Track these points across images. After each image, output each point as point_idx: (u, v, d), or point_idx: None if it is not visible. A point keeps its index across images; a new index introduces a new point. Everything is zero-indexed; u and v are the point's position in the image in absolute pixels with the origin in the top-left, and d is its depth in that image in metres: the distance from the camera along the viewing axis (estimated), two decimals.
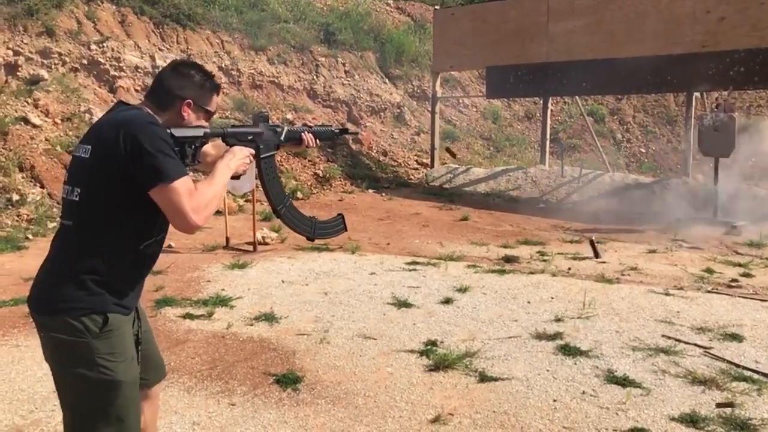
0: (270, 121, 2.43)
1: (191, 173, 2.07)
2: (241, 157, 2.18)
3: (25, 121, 9.23)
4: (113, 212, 1.91)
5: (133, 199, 1.90)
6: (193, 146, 2.12)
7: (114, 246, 1.93)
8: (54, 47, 10.46)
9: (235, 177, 2.18)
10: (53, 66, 10.35)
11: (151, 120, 1.95)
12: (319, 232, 2.63)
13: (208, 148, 2.32)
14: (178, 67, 2.11)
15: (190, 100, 2.07)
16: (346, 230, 2.73)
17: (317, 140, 2.55)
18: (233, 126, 2.39)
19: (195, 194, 1.91)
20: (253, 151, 2.26)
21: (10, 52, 9.98)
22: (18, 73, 9.93)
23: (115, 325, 1.93)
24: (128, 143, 1.86)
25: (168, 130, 2.00)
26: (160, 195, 1.87)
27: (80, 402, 1.93)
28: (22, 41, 10.23)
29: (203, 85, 2.10)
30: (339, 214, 2.72)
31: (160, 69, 2.20)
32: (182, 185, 1.88)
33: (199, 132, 2.13)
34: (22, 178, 8.54)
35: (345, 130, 2.81)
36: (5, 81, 9.80)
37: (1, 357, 4.03)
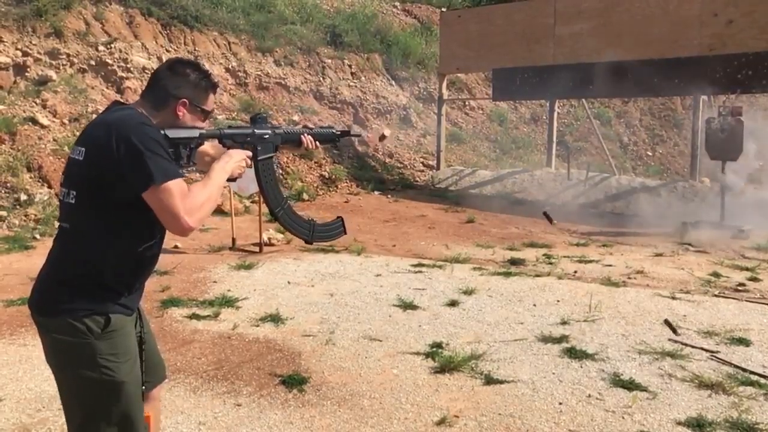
0: (270, 122, 2.38)
1: (197, 173, 2.05)
2: (237, 159, 2.14)
3: (33, 121, 9.29)
4: (109, 214, 1.90)
5: (129, 201, 1.87)
6: (188, 147, 2.09)
7: (112, 248, 1.91)
8: (62, 48, 10.52)
9: (232, 179, 2.15)
10: (61, 67, 10.41)
11: (143, 120, 1.92)
12: (318, 235, 2.57)
13: (207, 148, 2.29)
14: (174, 66, 2.07)
15: (185, 100, 2.04)
16: (345, 233, 2.67)
17: (317, 142, 2.50)
18: (230, 127, 2.34)
19: (189, 196, 1.88)
20: (250, 153, 2.22)
21: (19, 53, 10.04)
22: (26, 74, 9.99)
23: (118, 325, 1.93)
24: (120, 145, 1.83)
25: (162, 131, 1.97)
26: (153, 196, 1.84)
27: (83, 403, 1.93)
28: (30, 42, 10.29)
29: (198, 84, 2.07)
30: (338, 217, 2.66)
31: (157, 67, 2.15)
32: (175, 186, 1.85)
33: (194, 133, 2.09)
34: (30, 178, 8.59)
35: (347, 132, 2.72)
36: (14, 81, 9.86)
37: (8, 356, 4.06)
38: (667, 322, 4.07)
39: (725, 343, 4.36)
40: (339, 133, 2.63)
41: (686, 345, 4.29)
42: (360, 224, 8.81)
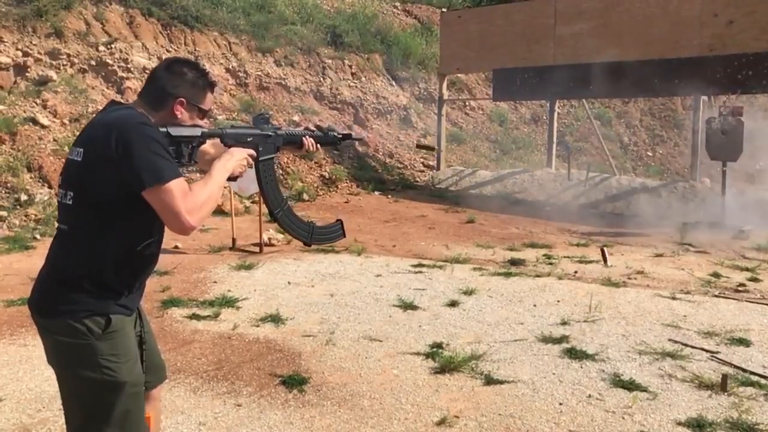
0: (271, 123, 2.38)
1: (197, 173, 2.05)
2: (239, 158, 2.14)
3: (34, 121, 9.29)
4: (107, 214, 1.89)
5: (127, 201, 1.87)
6: (189, 146, 2.09)
7: (111, 248, 1.91)
8: (62, 48, 10.52)
9: (232, 178, 2.14)
10: (62, 67, 10.41)
11: (142, 120, 1.91)
12: (317, 238, 2.57)
13: (208, 147, 2.29)
14: (171, 65, 2.08)
15: (182, 99, 2.04)
16: (344, 236, 2.66)
17: (318, 145, 2.50)
18: (232, 126, 2.34)
19: (189, 195, 1.88)
20: (252, 152, 2.22)
21: (19, 53, 10.04)
22: (27, 74, 9.99)
23: (118, 325, 1.93)
24: (119, 145, 1.83)
25: (165, 129, 1.97)
26: (154, 196, 1.84)
27: (84, 403, 1.93)
28: (31, 42, 10.29)
29: (196, 83, 2.07)
30: (338, 220, 2.66)
31: (155, 67, 2.16)
32: (176, 186, 1.85)
33: (197, 131, 2.09)
34: (30, 178, 8.59)
35: (348, 136, 2.72)
36: (14, 81, 9.86)
37: (9, 356, 4.06)
38: (723, 379, 3.67)
39: (725, 343, 4.36)
40: (341, 136, 2.63)
41: (686, 345, 4.29)
42: (360, 224, 8.81)
